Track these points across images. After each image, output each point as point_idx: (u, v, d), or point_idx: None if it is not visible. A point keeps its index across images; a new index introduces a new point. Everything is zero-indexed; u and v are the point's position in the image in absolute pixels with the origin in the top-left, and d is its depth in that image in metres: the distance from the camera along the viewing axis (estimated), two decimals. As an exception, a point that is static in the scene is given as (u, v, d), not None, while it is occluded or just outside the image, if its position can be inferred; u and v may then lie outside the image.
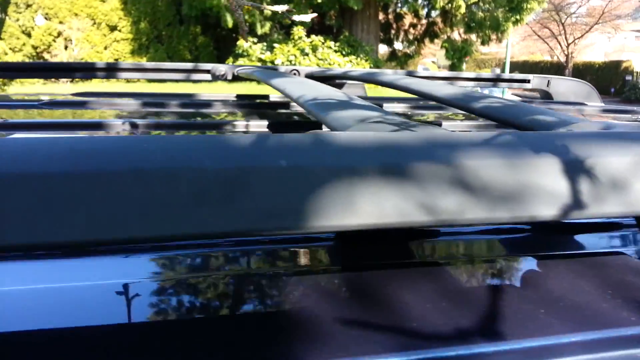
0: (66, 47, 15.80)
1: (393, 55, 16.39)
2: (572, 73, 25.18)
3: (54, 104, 1.06)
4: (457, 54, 14.12)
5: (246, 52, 13.77)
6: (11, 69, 1.44)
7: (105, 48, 16.23)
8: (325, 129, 0.88)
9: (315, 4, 13.43)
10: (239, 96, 1.34)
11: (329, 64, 12.86)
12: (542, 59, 29.19)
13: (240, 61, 13.62)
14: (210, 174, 0.29)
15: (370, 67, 12.97)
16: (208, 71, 1.42)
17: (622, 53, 28.74)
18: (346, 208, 0.31)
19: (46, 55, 15.63)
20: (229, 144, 0.32)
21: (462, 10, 12.95)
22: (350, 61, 13.07)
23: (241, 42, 13.85)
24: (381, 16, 15.50)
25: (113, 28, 16.27)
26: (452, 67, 14.44)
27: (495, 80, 1.49)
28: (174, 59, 16.09)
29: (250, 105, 1.22)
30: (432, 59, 31.17)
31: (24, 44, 15.51)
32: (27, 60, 14.78)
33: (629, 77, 21.56)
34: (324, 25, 15.54)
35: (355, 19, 14.36)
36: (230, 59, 14.14)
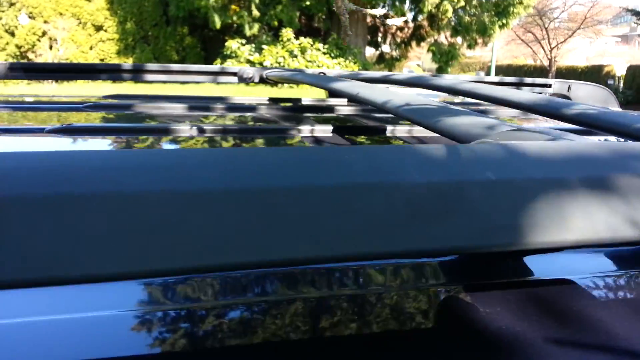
0: (51, 47, 15.60)
1: (381, 58, 16.48)
2: (555, 77, 25.55)
3: (99, 107, 1.05)
4: (444, 57, 14.25)
5: (234, 54, 13.74)
6: (30, 70, 1.42)
7: (91, 48, 16.06)
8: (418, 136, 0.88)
9: (303, 6, 13.46)
10: (288, 100, 1.33)
11: (318, 66, 12.88)
12: (526, 63, 29.57)
13: (228, 63, 13.58)
14: (424, 188, 0.27)
15: (359, 69, 13.03)
16: (235, 74, 1.42)
17: (603, 57, 29.24)
18: (559, 223, 0.29)
19: (30, 55, 15.41)
20: (434, 155, 0.31)
21: (449, 14, 13.08)
22: (339, 63, 13.11)
23: (229, 43, 13.81)
24: (369, 19, 15.58)
25: (99, 28, 16.10)
26: (439, 70, 14.55)
27: (519, 85, 1.51)
28: (160, 60, 15.97)
29: (312, 109, 1.20)
30: (417, 62, 31.40)
31: (7, 43, 15.28)
32: (10, 60, 14.56)
33: (610, 82, 21.94)
34: (311, 27, 15.56)
35: (343, 21, 14.42)
36: (218, 60, 14.08)
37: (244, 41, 13.87)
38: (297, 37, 13.35)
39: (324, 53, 13.28)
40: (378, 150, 0.32)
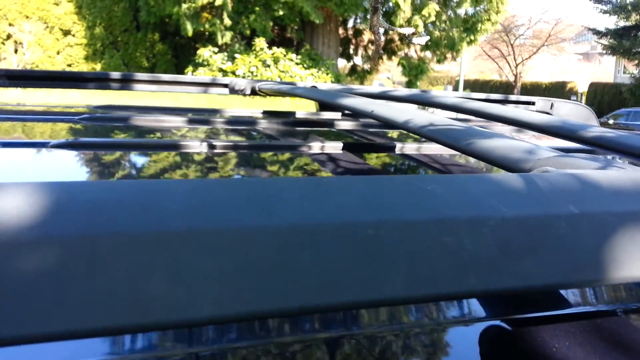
0: (16, 51, 15.19)
1: (353, 70, 16.63)
2: (521, 92, 26.25)
3: (97, 119, 1.03)
4: (414, 71, 14.47)
5: (206, 62, 13.65)
6: (17, 77, 1.37)
7: (58, 53, 15.72)
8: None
9: (276, 16, 13.49)
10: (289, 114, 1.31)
11: (291, 77, 12.91)
12: (492, 78, 30.29)
13: (200, 71, 13.48)
14: (513, 222, 0.27)
15: (332, 81, 13.11)
16: (226, 85, 1.42)
17: (565, 74, 30.20)
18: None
19: (-6, 58, 14.99)
20: (510, 185, 0.30)
21: (420, 29, 13.31)
22: (312, 74, 13.17)
23: (201, 51, 13.72)
24: (341, 31, 15.72)
25: (66, 32, 15.78)
26: (409, 84, 14.78)
27: (503, 102, 1.55)
28: (130, 66, 15.74)
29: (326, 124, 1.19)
30: (387, 74, 31.77)
31: (-31, 45, 14.84)
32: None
33: (573, 98, 22.66)
34: (284, 37, 15.61)
35: (316, 32, 14.51)
36: (190, 68, 13.97)
37: (216, 49, 13.79)
38: (270, 47, 13.36)
39: (297, 63, 13.33)
40: (455, 180, 0.31)
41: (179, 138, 0.93)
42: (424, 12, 12.63)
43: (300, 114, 1.32)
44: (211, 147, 0.79)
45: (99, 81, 1.42)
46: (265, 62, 13.18)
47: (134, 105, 1.24)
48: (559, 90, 24.94)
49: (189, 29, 13.49)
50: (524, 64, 27.16)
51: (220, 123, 1.09)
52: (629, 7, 16.66)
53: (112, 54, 15.73)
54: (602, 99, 20.83)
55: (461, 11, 14.24)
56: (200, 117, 1.11)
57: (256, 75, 13.01)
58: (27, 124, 1.00)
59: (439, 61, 15.25)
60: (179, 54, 16.42)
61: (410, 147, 0.91)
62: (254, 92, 1.41)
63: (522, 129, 0.96)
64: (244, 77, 13.67)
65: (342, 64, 17.21)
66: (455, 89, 26.28)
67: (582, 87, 23.94)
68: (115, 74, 1.41)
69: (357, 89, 1.43)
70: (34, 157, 0.73)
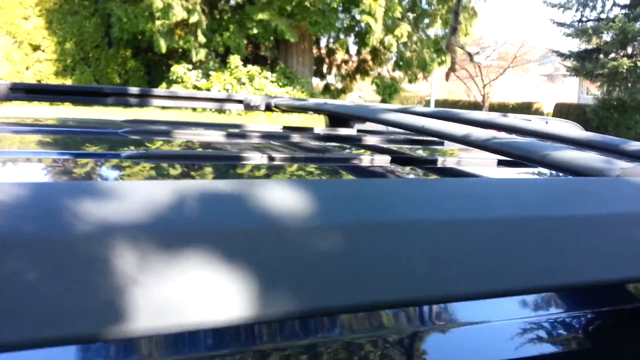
0: (-17, 65, 14.86)
1: (327, 89, 16.82)
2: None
3: (140, 133, 1.04)
4: (387, 90, 14.73)
5: (180, 79, 13.61)
6: (39, 91, 1.37)
7: (27, 68, 15.42)
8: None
9: (251, 34, 13.58)
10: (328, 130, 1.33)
11: (266, 94, 12.98)
12: (460, 98, 30.98)
13: (174, 88, 13.42)
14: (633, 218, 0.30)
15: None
16: (241, 101, 1.45)
17: (531, 95, 31.11)
18: None
19: (-40, 72, 14.61)
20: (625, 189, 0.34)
21: (393, 48, 13.59)
22: (287, 92, 13.26)
23: (175, 68, 13.68)
24: (314, 50, 15.91)
25: (36, 47, 15.51)
26: (382, 103, 15.02)
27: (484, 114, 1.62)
28: (101, 82, 15.54)
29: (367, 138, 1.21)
30: (359, 93, 32.14)
31: None
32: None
33: (538, 118, 23.31)
34: (258, 55, 15.70)
35: (290, 51, 14.65)
36: (164, 85, 13.89)
37: (190, 66, 13.77)
38: (244, 65, 13.42)
39: (272, 81, 13.41)
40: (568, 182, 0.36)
41: (242, 149, 0.95)
42: (397, 32, 12.91)
43: (333, 131, 1.35)
44: (271, 158, 0.82)
45: (114, 96, 1.43)
46: (240, 79, 13.22)
47: (162, 120, 1.26)
48: (525, 110, 25.66)
49: (163, 45, 13.46)
50: (491, 85, 27.89)
51: (258, 137, 1.12)
52: (590, 31, 17.35)
53: (83, 70, 15.52)
54: (567, 118, 21.49)
55: (431, 32, 14.62)
56: (239, 131, 1.14)
57: (231, 92, 13.03)
58: (77, 137, 1.01)
59: (410, 81, 15.56)
60: (151, 71, 16.32)
61: (457, 160, 0.94)
62: (268, 108, 1.45)
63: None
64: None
65: (316, 82, 17.39)
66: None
67: (548, 108, 24.66)
68: (133, 89, 1.43)
69: (372, 106, 1.47)
70: (119, 168, 0.74)
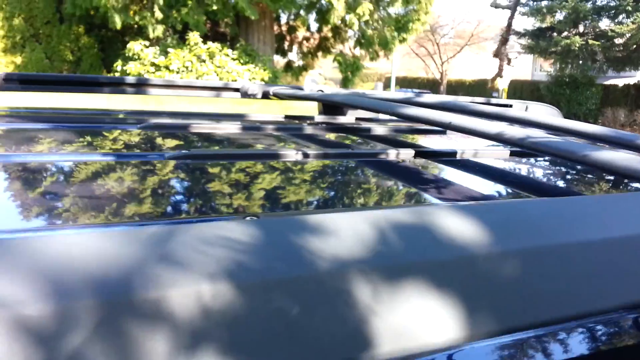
0: None
1: (288, 67, 16.67)
2: (446, 89, 27.32)
3: (159, 127, 1.02)
4: (350, 68, 14.73)
5: (137, 56, 13.20)
6: (33, 81, 1.32)
7: (-28, 45, 14.65)
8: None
9: (210, 10, 13.26)
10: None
11: (228, 72, 12.76)
12: (419, 75, 31.29)
13: (131, 65, 13.02)
14: None
15: (269, 77, 13.09)
16: (237, 89, 1.45)
17: (486, 71, 31.72)
18: None
19: None
20: None
21: (355, 27, 13.56)
22: (249, 70, 13.08)
23: (131, 45, 13.25)
24: (276, 27, 15.71)
25: (-19, 23, 14.73)
26: (345, 81, 15.03)
27: (486, 105, 1.68)
28: (53, 60, 14.95)
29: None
30: (319, 70, 31.98)
31: None
32: None
33: (495, 94, 23.86)
34: (217, 32, 15.37)
35: (251, 28, 14.41)
36: (119, 62, 13.46)
37: (147, 43, 13.37)
38: (204, 42, 13.13)
39: (233, 59, 13.19)
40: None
41: (276, 147, 0.96)
42: (358, 10, 12.87)
43: (338, 121, 1.38)
44: (305, 155, 0.83)
45: (110, 85, 1.41)
46: (200, 57, 12.95)
47: (175, 111, 1.25)
48: (481, 87, 26.19)
49: (118, 21, 12.99)
50: (449, 62, 28.30)
51: (273, 129, 1.13)
52: (544, 10, 17.78)
53: (33, 47, 14.85)
54: (522, 95, 22.08)
55: (392, 10, 14.64)
56: (258, 123, 1.15)
57: (191, 71, 12.74)
58: (99, 132, 0.99)
59: (372, 59, 15.60)
60: (106, 48, 15.77)
61: (474, 152, 0.95)
62: (265, 96, 1.46)
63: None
64: (178, 72, 13.35)
65: (277, 60, 17.21)
66: (387, 86, 26.94)
67: (503, 84, 25.22)
68: (130, 79, 1.41)
69: (363, 93, 1.50)
70: (171, 171, 0.72)
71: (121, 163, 0.73)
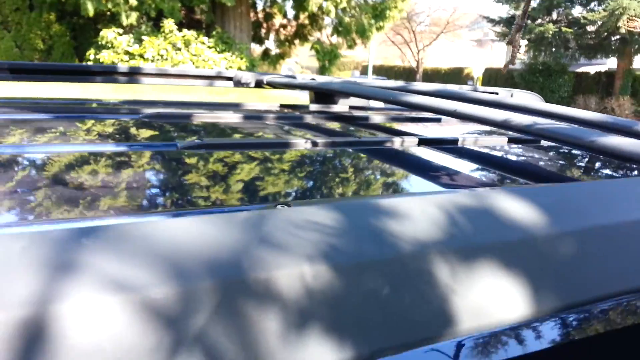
0: None
1: (265, 55, 16.55)
2: (422, 77, 27.48)
3: (162, 117, 1.02)
4: (327, 56, 14.70)
5: (110, 44, 12.95)
6: (24, 71, 1.30)
7: (-63, 32, 14.17)
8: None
9: (185, -4, 13.08)
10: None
11: (204, 60, 12.61)
12: (395, 64, 31.40)
13: (104, 53, 12.78)
14: None
15: (247, 66, 12.98)
16: (230, 78, 1.45)
17: (461, 60, 32.03)
18: None
19: None
20: None
21: (332, 14, 13.52)
22: (226, 58, 12.95)
23: (105, 33, 12.98)
24: (252, 14, 15.56)
25: (-54, 9, 14.26)
26: (322, 69, 14.99)
27: (477, 92, 1.71)
28: (23, 48, 14.57)
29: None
30: (295, 59, 31.85)
31: None
32: None
33: (470, 82, 24.11)
34: (192, 19, 15.16)
35: (227, 15, 14.24)
36: (92, 50, 13.19)
37: (120, 31, 13.12)
38: (179, 29, 12.94)
39: (210, 47, 13.04)
40: None
41: (285, 136, 0.96)
42: (336, -3, 12.85)
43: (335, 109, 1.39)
44: (320, 144, 0.84)
45: (103, 75, 1.40)
46: (175, 45, 12.77)
47: (172, 100, 1.24)
48: (457, 75, 26.42)
49: (90, 8, 12.70)
50: (425, 51, 28.44)
51: (274, 118, 1.14)
52: (518, -2, 17.99)
53: (2, 35, 14.45)
54: (496, 83, 22.34)
55: (369, -2, 14.65)
56: (261, 112, 1.16)
57: (166, 59, 12.56)
58: (102, 122, 0.99)
59: (349, 47, 15.59)
60: (78, 35, 15.41)
61: (474, 139, 0.96)
62: (258, 85, 1.46)
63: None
64: (153, 61, 13.14)
65: (254, 47, 17.06)
66: (363, 73, 27.00)
67: (478, 73, 25.50)
68: (122, 67, 1.40)
69: (355, 82, 1.51)
70: (187, 160, 0.73)
71: (137, 154, 0.73)
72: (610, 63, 20.70)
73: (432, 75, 27.72)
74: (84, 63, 13.26)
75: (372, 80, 1.57)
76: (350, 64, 32.03)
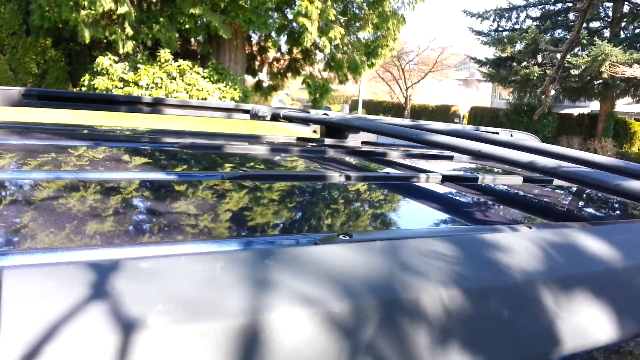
0: None
1: (258, 86, 16.80)
2: (410, 113, 27.92)
3: (197, 147, 1.07)
4: (319, 90, 14.95)
5: (106, 71, 13.08)
6: (51, 98, 1.34)
7: None
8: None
9: (182, 29, 13.31)
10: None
11: (198, 90, 12.77)
12: (384, 99, 31.90)
13: (99, 80, 12.88)
14: None
15: (240, 96, 13.16)
16: (247, 111, 1.52)
17: (448, 98, 32.65)
18: None
19: None
20: None
21: (327, 50, 13.82)
22: (219, 88, 13.13)
23: (100, 60, 13.12)
24: (247, 47, 15.84)
25: (-58, 31, 14.31)
26: (314, 102, 15.23)
27: (483, 132, 1.82)
28: (17, 72, 14.63)
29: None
30: (286, 91, 32.20)
31: None
32: None
33: (456, 120, 24.58)
34: (188, 50, 15.39)
35: (223, 47, 14.50)
36: (87, 77, 13.29)
37: (116, 58, 13.27)
38: (175, 59, 13.13)
39: (204, 77, 13.22)
40: None
41: (320, 167, 1.00)
42: (330, 34, 13.16)
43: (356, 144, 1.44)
44: (348, 178, 0.89)
45: (127, 104, 1.44)
46: (170, 74, 12.93)
47: (199, 131, 1.30)
48: (444, 112, 26.91)
49: (87, 36, 12.84)
50: (413, 88, 28.98)
51: (299, 151, 1.18)
52: (505, 40, 18.55)
53: (-3, 58, 14.52)
54: (482, 121, 22.80)
55: (362, 35, 15.01)
56: (286, 145, 1.21)
57: (161, 87, 12.70)
58: (146, 152, 1.01)
59: (341, 82, 15.88)
60: (73, 61, 15.53)
61: (492, 178, 1.01)
62: (274, 118, 1.55)
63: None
64: (147, 89, 13.23)
65: (247, 79, 17.29)
66: (353, 108, 27.38)
67: (464, 110, 26.02)
68: (146, 98, 1.46)
69: (365, 118, 1.58)
70: (234, 191, 0.76)
71: (189, 183, 0.77)
72: (593, 106, 21.29)
73: (419, 112, 28.19)
74: (92, 91, 13.29)
75: (379, 117, 1.65)
76: (340, 98, 32.46)
